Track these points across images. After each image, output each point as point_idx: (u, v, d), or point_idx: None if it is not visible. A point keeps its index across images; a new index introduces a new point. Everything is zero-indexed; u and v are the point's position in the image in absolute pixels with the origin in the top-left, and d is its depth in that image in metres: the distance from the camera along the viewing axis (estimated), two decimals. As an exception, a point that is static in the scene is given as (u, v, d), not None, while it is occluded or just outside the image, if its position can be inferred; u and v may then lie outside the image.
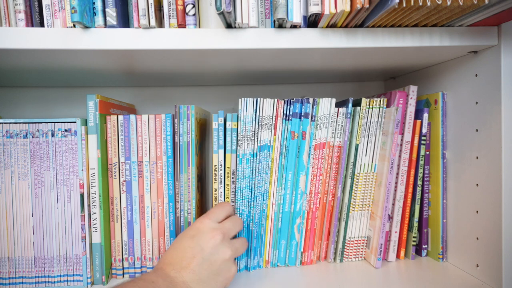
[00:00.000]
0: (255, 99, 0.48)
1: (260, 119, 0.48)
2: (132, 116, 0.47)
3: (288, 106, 0.49)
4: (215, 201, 0.49)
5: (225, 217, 0.45)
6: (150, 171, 0.48)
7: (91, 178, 0.46)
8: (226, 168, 0.49)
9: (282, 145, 0.50)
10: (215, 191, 0.49)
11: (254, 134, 0.48)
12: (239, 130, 0.48)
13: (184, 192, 0.49)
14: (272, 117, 0.49)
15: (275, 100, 0.49)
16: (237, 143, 0.48)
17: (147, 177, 0.48)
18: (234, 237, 0.47)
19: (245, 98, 0.48)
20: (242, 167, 0.49)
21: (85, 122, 0.47)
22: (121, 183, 0.48)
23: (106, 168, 0.48)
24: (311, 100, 0.50)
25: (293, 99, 0.49)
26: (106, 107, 0.49)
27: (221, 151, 0.49)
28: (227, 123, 0.48)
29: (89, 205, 0.47)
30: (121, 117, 0.47)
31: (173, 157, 0.48)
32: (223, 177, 0.49)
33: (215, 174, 0.49)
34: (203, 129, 0.58)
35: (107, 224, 0.48)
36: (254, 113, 0.48)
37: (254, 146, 0.49)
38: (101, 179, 0.47)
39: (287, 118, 0.49)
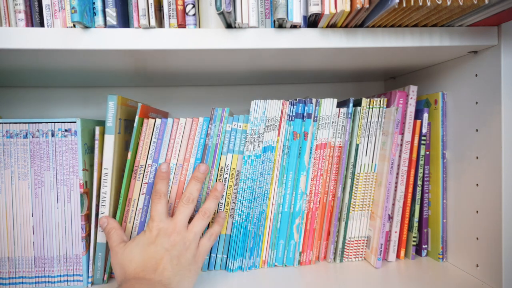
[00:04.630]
0: (265, 101, 0.48)
1: (267, 120, 0.49)
2: (170, 120, 0.47)
3: (292, 106, 0.49)
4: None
5: (166, 207, 0.45)
6: (175, 173, 0.48)
7: (103, 178, 0.46)
8: (232, 169, 0.49)
9: (284, 145, 0.50)
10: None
11: (261, 135, 0.49)
12: (248, 132, 0.48)
13: (203, 193, 0.49)
14: (278, 118, 0.49)
15: (281, 101, 0.49)
16: (245, 144, 0.49)
17: (170, 179, 0.48)
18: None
19: (257, 100, 0.48)
20: (246, 168, 0.49)
21: (85, 122, 0.47)
22: (142, 185, 0.48)
23: (132, 170, 0.48)
24: (314, 100, 0.50)
25: (296, 99, 0.49)
26: (146, 111, 0.49)
27: (230, 154, 0.49)
28: (238, 124, 0.48)
29: (97, 205, 0.47)
30: (158, 121, 0.47)
31: (201, 160, 0.48)
32: (227, 180, 0.49)
33: (220, 176, 0.49)
34: None
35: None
36: (263, 115, 0.48)
37: (259, 147, 0.49)
38: (126, 180, 0.47)
39: (290, 119, 0.49)
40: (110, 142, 0.46)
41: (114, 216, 0.48)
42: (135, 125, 0.46)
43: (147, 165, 0.48)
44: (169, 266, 0.41)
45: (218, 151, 0.49)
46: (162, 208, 0.44)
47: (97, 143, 0.46)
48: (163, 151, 0.48)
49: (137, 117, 0.46)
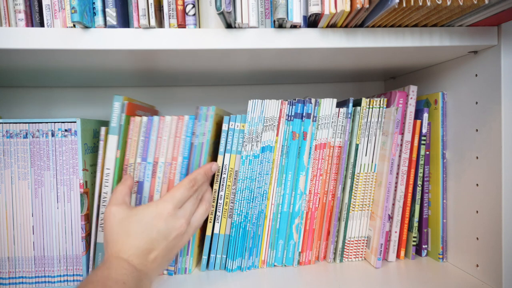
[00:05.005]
0: (263, 101, 0.48)
1: (265, 120, 0.49)
2: (156, 118, 0.47)
3: (291, 106, 0.49)
4: (213, 202, 0.49)
5: (187, 198, 0.44)
6: (164, 172, 0.48)
7: (105, 178, 0.46)
8: (230, 169, 0.49)
9: (283, 145, 0.50)
10: (214, 191, 0.49)
11: (259, 135, 0.49)
12: (245, 132, 0.48)
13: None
14: (276, 118, 0.49)
15: (280, 101, 0.49)
16: (242, 144, 0.49)
17: (159, 177, 0.48)
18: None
19: (255, 100, 0.48)
20: (245, 168, 0.49)
21: (85, 122, 0.47)
22: (133, 184, 0.48)
23: (122, 169, 0.48)
24: (313, 100, 0.50)
25: (295, 99, 0.49)
26: (133, 108, 0.49)
27: (227, 154, 0.49)
28: (236, 124, 0.48)
29: (98, 206, 0.47)
30: (145, 118, 0.47)
31: (188, 158, 0.48)
32: (225, 180, 0.49)
33: (217, 176, 0.49)
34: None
35: None
36: (261, 114, 0.48)
37: (257, 147, 0.49)
38: (116, 179, 0.47)
39: (289, 119, 0.49)
40: (114, 142, 0.46)
41: None
42: (122, 123, 0.46)
43: (136, 164, 0.48)
44: (160, 259, 0.40)
45: (205, 150, 0.48)
46: (186, 197, 0.43)
47: (101, 143, 0.46)
48: (151, 149, 0.48)
49: (123, 114, 0.46)
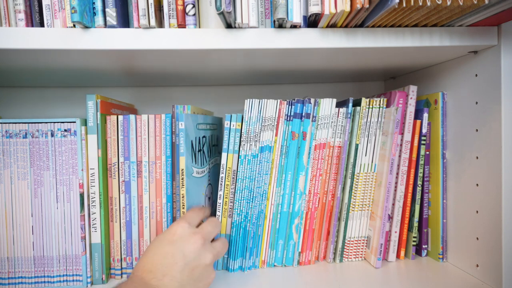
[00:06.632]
0: (260, 100, 0.48)
1: (263, 120, 0.49)
2: (132, 116, 0.47)
3: (290, 106, 0.49)
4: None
5: (200, 221, 0.44)
6: (149, 171, 0.48)
7: (91, 178, 0.46)
8: (227, 169, 0.49)
9: (282, 145, 0.50)
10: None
11: (257, 135, 0.48)
12: (242, 131, 0.48)
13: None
14: (275, 117, 0.49)
15: (278, 101, 0.49)
16: (240, 143, 0.48)
17: (146, 177, 0.48)
18: (213, 239, 0.46)
19: (251, 99, 0.48)
20: (243, 167, 0.49)
21: (85, 122, 0.47)
22: (120, 183, 0.48)
23: (106, 168, 0.48)
24: (312, 100, 0.50)
25: (294, 99, 0.49)
26: (106, 107, 0.49)
27: (224, 153, 0.49)
28: (231, 123, 0.48)
29: (88, 205, 0.47)
30: (120, 117, 0.47)
31: (171, 157, 0.48)
32: (223, 179, 0.49)
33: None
34: None
35: (107, 224, 0.48)
36: (259, 114, 0.48)
37: (256, 147, 0.49)
38: (101, 179, 0.47)
39: (288, 119, 0.49)
40: (93, 141, 0.46)
41: (106, 217, 0.48)
42: (98, 121, 0.46)
43: (120, 163, 0.48)
44: (178, 276, 0.37)
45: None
46: (198, 218, 0.44)
47: (83, 142, 0.46)
48: (132, 148, 0.48)
49: (98, 113, 0.46)
